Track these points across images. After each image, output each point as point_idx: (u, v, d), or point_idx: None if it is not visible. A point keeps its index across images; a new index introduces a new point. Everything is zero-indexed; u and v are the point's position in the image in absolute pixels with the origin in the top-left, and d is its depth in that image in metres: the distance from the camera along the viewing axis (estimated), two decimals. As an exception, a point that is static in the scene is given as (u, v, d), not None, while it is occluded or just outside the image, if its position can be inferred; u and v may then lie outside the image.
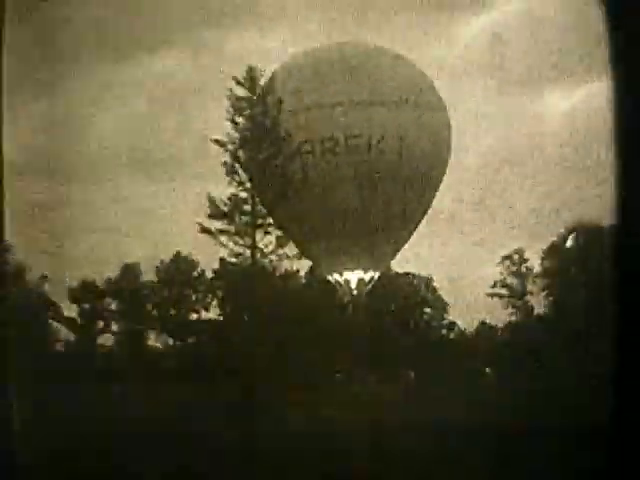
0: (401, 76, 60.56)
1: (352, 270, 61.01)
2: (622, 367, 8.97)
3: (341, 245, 58.49)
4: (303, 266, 63.06)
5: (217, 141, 54.01)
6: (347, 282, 61.28)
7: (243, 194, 53.94)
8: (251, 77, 54.81)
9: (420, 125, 59.40)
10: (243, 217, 53.29)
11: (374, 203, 58.28)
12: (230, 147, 54.44)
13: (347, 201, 57.89)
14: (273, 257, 53.97)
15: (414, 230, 61.24)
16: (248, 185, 53.18)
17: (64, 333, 62.56)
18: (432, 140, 59.66)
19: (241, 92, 54.90)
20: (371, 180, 58.22)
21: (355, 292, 61.22)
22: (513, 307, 63.63)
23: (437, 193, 61.37)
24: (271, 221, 53.52)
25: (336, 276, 61.50)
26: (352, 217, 57.91)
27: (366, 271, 61.18)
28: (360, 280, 61.18)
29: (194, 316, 65.96)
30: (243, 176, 53.42)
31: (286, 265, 55.72)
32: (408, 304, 66.32)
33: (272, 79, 56.34)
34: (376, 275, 61.58)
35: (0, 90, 10.37)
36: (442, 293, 68.11)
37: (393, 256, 62.32)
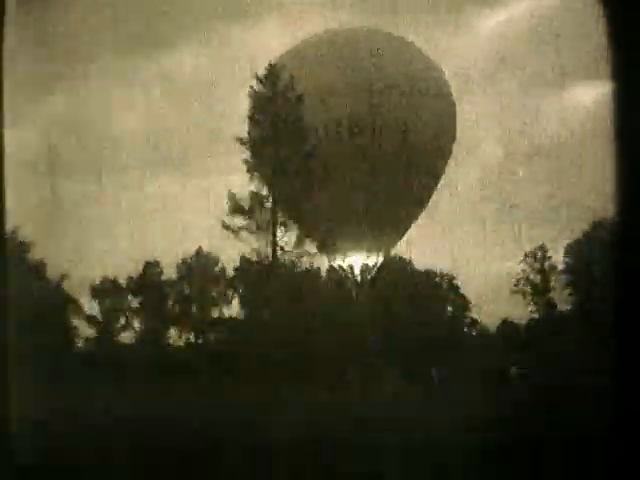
0: (406, 62, 60.50)
1: (356, 254, 61.08)
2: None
3: (344, 229, 58.24)
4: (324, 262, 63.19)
5: (240, 139, 54.25)
6: (351, 268, 61.35)
7: (264, 191, 54.07)
8: (272, 74, 54.89)
9: (425, 112, 59.45)
10: (264, 214, 53.39)
11: (377, 187, 58.35)
12: (251, 144, 54.57)
13: (350, 185, 57.74)
14: (294, 254, 54.09)
15: (418, 215, 61.54)
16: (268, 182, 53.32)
17: (84, 330, 62.90)
18: (436, 127, 59.77)
19: (262, 89, 55.00)
20: (374, 165, 58.29)
21: (359, 278, 61.26)
22: (536, 304, 63.31)
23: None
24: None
25: (339, 260, 61.55)
26: (355, 201, 57.82)
27: (369, 255, 61.34)
28: (364, 266, 61.29)
29: (216, 313, 66.07)
30: (264, 173, 53.52)
31: (306, 262, 55.83)
32: (429, 301, 66.00)
33: (277, 66, 56.48)
34: (379, 260, 61.76)
35: (1, 91, 10.28)
36: (463, 290, 67.76)
37: (396, 241, 62.49)
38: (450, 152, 61.20)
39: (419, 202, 61.59)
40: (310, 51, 61.30)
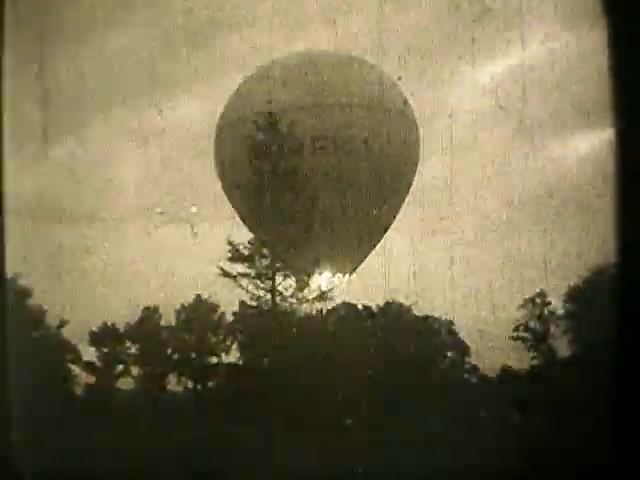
0: (368, 80, 61.03)
1: (319, 273, 60.67)
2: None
3: (306, 248, 57.59)
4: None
5: (239, 186, 54.61)
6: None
7: (263, 237, 54.22)
8: (271, 122, 55.26)
9: (387, 129, 59.87)
10: (263, 260, 53.52)
11: (338, 205, 58.38)
12: (250, 191, 54.90)
13: (312, 202, 57.47)
14: (293, 300, 54.05)
15: (382, 235, 61.57)
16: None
17: (83, 377, 62.59)
18: (399, 144, 60.18)
19: (261, 137, 55.38)
20: (336, 182, 58.43)
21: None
22: (536, 351, 63.04)
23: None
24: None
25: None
26: (317, 219, 57.51)
27: (334, 275, 61.08)
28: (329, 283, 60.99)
29: (214, 360, 65.77)
30: (260, 220, 53.76)
31: (306, 307, 55.67)
32: (427, 348, 65.80)
33: (240, 88, 57.00)
34: (345, 278, 61.62)
35: (0, 93, 10.31)
36: (462, 336, 67.50)
37: (360, 260, 62.35)
38: (415, 170, 61.62)
39: (382, 222, 61.68)
40: (273, 72, 61.82)
